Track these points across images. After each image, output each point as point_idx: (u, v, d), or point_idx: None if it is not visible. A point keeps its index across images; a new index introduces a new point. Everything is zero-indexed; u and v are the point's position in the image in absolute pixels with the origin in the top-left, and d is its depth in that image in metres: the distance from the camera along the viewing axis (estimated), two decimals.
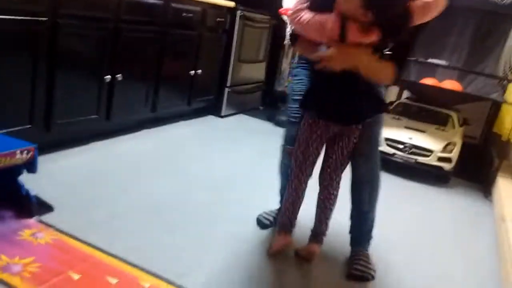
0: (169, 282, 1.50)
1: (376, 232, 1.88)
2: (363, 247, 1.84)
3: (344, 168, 1.74)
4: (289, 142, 1.81)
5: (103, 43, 2.47)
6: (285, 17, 3.58)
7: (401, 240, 2.16)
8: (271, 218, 2.02)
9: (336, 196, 1.76)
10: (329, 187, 1.73)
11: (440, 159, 3.03)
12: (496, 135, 3.53)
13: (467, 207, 2.81)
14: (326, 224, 1.79)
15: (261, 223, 2.01)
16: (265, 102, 4.36)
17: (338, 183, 1.75)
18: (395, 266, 1.89)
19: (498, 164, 2.98)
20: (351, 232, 1.86)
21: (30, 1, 2.00)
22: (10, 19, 1.94)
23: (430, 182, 3.05)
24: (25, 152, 1.63)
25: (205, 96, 3.64)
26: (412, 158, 3.03)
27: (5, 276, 1.37)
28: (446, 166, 3.04)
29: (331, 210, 1.78)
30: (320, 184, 1.76)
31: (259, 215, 2.05)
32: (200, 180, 2.41)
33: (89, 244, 1.63)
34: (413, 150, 3.03)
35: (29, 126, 2.17)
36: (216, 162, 2.75)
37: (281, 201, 1.93)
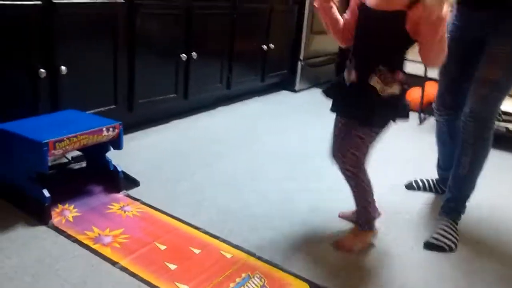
0: (249, 253, 1.51)
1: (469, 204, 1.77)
2: (450, 216, 1.76)
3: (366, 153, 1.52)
4: (435, 101, 1.92)
5: (177, 22, 2.52)
6: None
7: (493, 215, 2.00)
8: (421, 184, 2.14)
9: (358, 177, 1.52)
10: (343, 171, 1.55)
11: None
12: None
13: None
14: (361, 212, 1.60)
15: (410, 186, 2.15)
16: (340, 74, 4.23)
17: (358, 167, 1.51)
18: (486, 241, 1.76)
19: None
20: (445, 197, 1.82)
21: None
22: (90, 2, 2.02)
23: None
24: (111, 129, 1.71)
25: (278, 71, 3.60)
26: (502, 127, 2.80)
27: (97, 247, 1.46)
28: None
29: (358, 193, 1.57)
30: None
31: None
32: (276, 155, 2.40)
33: (173, 217, 1.69)
34: (503, 117, 2.80)
35: (114, 106, 2.28)
36: (291, 137, 2.72)
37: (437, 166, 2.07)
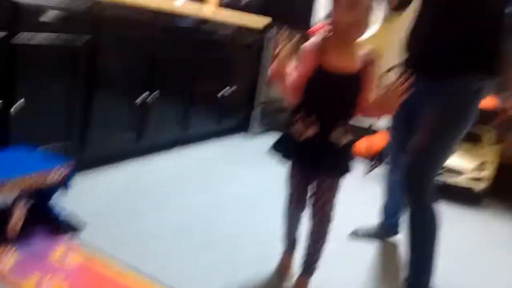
0: None
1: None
2: None
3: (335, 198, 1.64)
4: (390, 149, 2.00)
5: (139, 63, 2.57)
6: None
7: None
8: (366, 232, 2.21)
9: (330, 222, 1.65)
10: (318, 220, 1.64)
11: (471, 179, 2.95)
12: None
13: (502, 229, 2.72)
14: (318, 255, 1.68)
15: (355, 233, 2.21)
16: (287, 130, 4.35)
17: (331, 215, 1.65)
18: None
19: None
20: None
21: (74, 21, 2.11)
22: (52, 37, 2.04)
23: (461, 204, 2.97)
24: (61, 169, 1.70)
25: (236, 115, 3.69)
26: (440, 180, 2.98)
27: None
28: (477, 186, 2.96)
29: (322, 240, 1.66)
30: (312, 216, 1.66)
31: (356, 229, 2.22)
32: (230, 199, 2.44)
33: (120, 264, 1.67)
34: (442, 171, 2.98)
35: (66, 143, 2.26)
36: (245, 183, 2.77)
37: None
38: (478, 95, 1.60)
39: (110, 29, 2.31)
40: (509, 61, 1.53)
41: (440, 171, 1.77)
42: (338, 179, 1.61)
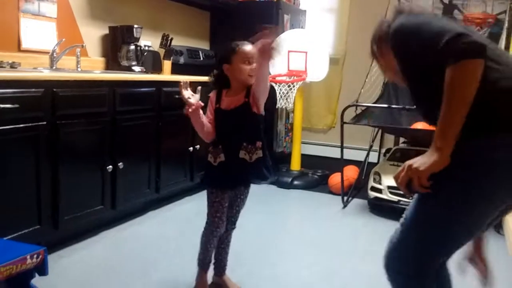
0: None
1: None
2: None
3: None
4: None
5: (101, 135, 2.59)
6: (273, 84, 3.74)
7: None
8: None
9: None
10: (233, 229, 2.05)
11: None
12: None
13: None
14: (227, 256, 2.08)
15: None
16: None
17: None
18: None
19: None
20: None
21: (29, 109, 2.13)
22: (11, 128, 2.05)
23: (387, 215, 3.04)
24: (35, 256, 1.66)
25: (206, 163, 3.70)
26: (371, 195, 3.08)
27: None
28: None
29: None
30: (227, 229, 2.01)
31: None
32: None
33: None
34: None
35: (38, 226, 2.23)
36: None
37: None
38: None
39: (67, 107, 2.34)
40: None
41: None
42: (248, 193, 1.99)
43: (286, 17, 4.40)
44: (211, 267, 2.05)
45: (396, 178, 1.30)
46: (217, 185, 1.90)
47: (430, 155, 1.21)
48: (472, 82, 1.15)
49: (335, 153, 3.93)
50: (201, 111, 1.86)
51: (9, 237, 2.06)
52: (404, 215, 1.38)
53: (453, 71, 1.15)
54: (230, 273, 2.03)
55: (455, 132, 1.18)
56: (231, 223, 2.03)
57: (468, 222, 1.27)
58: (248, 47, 1.83)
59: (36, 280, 1.76)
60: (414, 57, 1.29)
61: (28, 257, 1.64)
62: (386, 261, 1.37)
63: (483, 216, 1.27)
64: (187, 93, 1.85)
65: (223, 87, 1.91)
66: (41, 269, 1.71)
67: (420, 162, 1.22)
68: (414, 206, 1.35)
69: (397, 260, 1.35)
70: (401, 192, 1.49)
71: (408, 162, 1.25)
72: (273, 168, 1.96)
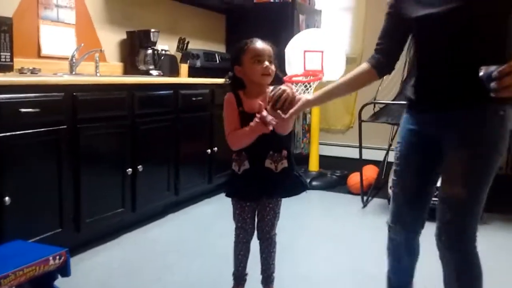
0: None
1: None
2: None
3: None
4: (390, 218, 1.64)
5: (121, 139, 2.61)
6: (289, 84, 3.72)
7: None
8: None
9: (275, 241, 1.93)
10: (269, 239, 1.90)
11: None
12: None
13: (506, 242, 2.72)
14: (274, 265, 1.94)
15: None
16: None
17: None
18: None
19: None
20: None
21: (50, 113, 2.17)
22: (33, 132, 2.09)
23: None
24: (57, 257, 1.69)
25: (225, 171, 3.71)
26: (434, 200, 2.99)
27: None
28: None
29: (274, 253, 1.93)
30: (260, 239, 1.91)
31: None
32: (230, 258, 2.41)
33: None
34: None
35: (60, 230, 2.26)
36: None
37: (388, 285, 1.75)
38: (504, 121, 1.40)
39: (87, 111, 2.37)
40: None
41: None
42: (278, 201, 1.84)
43: (301, 17, 4.39)
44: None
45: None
46: (240, 197, 1.83)
47: None
48: None
49: (353, 153, 3.90)
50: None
51: (32, 240, 2.09)
52: (443, 192, 1.45)
53: None
54: (250, 271, 2.01)
55: None
56: (264, 233, 1.87)
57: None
58: (258, 44, 1.73)
59: (59, 282, 1.79)
60: None
61: (51, 258, 1.67)
62: (450, 234, 1.43)
63: None
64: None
65: (238, 88, 1.81)
66: (64, 270, 1.73)
67: None
68: (462, 172, 1.41)
69: (467, 224, 1.42)
70: None
71: None
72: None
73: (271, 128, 1.64)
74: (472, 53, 1.38)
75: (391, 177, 1.70)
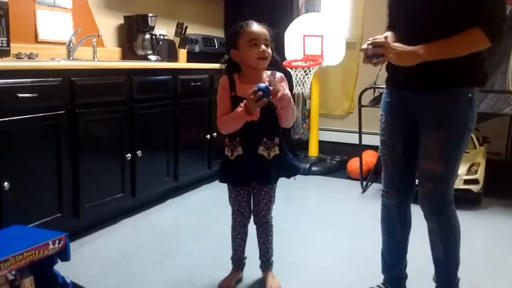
0: None
1: (412, 264, 1.87)
2: None
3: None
4: (383, 183, 1.81)
5: (120, 124, 2.60)
6: (288, 69, 3.70)
7: None
8: None
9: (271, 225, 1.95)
10: (266, 223, 1.92)
11: (466, 181, 2.98)
12: None
13: (504, 227, 2.73)
14: (272, 249, 1.97)
15: None
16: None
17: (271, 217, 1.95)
18: None
19: None
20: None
21: (48, 98, 2.16)
22: (31, 117, 2.08)
23: (461, 206, 2.98)
24: (57, 242, 1.69)
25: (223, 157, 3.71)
26: None
27: None
28: (474, 187, 2.99)
29: (272, 236, 1.96)
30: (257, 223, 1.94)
31: None
32: (229, 243, 2.42)
33: None
34: None
35: (59, 215, 2.26)
36: None
37: (383, 265, 1.88)
38: (473, 102, 1.58)
39: (85, 96, 2.36)
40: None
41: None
42: (272, 187, 1.86)
43: (301, 1, 4.34)
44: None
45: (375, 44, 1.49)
46: (232, 182, 1.86)
47: (409, 52, 1.49)
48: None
49: (353, 139, 3.89)
50: None
51: (31, 225, 2.10)
52: (422, 168, 1.64)
53: (479, 35, 1.46)
54: (249, 257, 2.02)
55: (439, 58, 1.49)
56: (260, 218, 1.90)
57: None
58: (254, 27, 1.70)
59: (59, 266, 1.80)
60: None
61: (50, 242, 1.67)
62: (432, 202, 1.63)
63: None
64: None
65: (233, 71, 1.78)
66: (63, 254, 1.74)
67: (401, 49, 1.50)
68: (438, 150, 1.59)
69: (445, 192, 1.62)
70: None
71: (390, 44, 1.51)
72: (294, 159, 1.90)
73: (258, 115, 1.67)
74: (440, 33, 1.50)
75: (380, 146, 1.85)
